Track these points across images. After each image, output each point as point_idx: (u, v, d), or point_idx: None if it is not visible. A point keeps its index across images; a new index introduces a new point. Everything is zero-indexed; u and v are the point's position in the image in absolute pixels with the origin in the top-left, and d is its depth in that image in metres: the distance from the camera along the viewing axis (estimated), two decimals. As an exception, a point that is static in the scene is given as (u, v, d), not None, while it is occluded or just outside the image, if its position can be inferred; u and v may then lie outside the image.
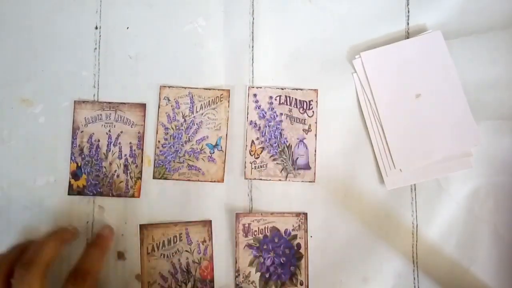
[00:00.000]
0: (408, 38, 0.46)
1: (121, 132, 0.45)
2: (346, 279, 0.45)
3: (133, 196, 0.44)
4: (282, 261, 0.44)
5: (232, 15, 0.47)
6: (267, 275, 0.44)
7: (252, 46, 0.46)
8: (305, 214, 0.45)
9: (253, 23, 0.47)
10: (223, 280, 0.44)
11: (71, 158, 0.45)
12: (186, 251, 0.44)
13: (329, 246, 0.45)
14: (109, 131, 0.45)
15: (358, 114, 0.46)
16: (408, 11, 0.47)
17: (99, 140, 0.45)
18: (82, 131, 0.45)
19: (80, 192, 0.44)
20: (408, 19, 0.47)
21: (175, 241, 0.44)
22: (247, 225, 0.44)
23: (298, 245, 0.44)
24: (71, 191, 0.44)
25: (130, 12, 0.47)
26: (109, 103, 0.45)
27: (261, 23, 0.47)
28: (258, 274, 0.44)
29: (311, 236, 0.45)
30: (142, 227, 0.44)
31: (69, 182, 0.44)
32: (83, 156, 0.45)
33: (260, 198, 0.45)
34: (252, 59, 0.46)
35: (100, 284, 0.43)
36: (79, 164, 0.45)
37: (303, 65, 0.46)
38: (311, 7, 0.47)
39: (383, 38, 0.46)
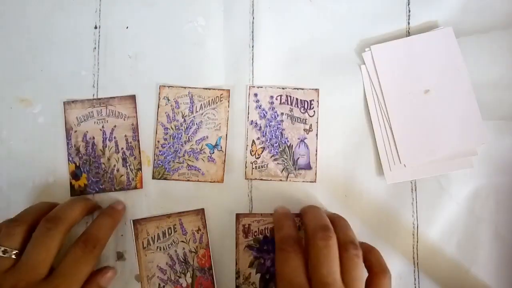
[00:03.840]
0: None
1: (115, 126, 0.45)
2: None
3: (135, 187, 0.44)
4: (282, 261, 0.44)
5: (232, 14, 0.46)
6: (267, 277, 0.44)
7: (252, 46, 0.46)
8: (306, 215, 0.44)
9: (253, 22, 0.46)
10: (223, 281, 0.44)
11: (68, 159, 0.45)
12: (182, 241, 0.44)
13: (330, 246, 0.45)
14: (103, 127, 0.45)
15: (359, 113, 0.46)
16: (409, 11, 0.46)
17: (94, 138, 0.45)
18: (75, 131, 0.45)
19: (82, 191, 0.44)
20: (408, 19, 0.47)
21: (169, 232, 0.44)
22: (247, 226, 0.44)
23: (299, 246, 0.44)
24: (73, 191, 0.44)
25: (130, 11, 0.46)
26: (99, 99, 0.45)
27: (262, 22, 0.46)
28: (258, 275, 0.44)
29: (312, 237, 0.45)
30: (136, 222, 0.44)
31: (70, 182, 0.44)
32: (80, 155, 0.45)
33: (260, 199, 0.45)
34: (252, 59, 0.46)
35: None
36: (78, 164, 0.45)
37: (303, 65, 0.46)
38: (312, 6, 0.47)
39: (383, 37, 0.46)
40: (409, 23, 0.46)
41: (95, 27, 0.46)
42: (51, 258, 0.37)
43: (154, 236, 0.44)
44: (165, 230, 0.44)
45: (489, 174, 0.45)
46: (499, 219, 0.45)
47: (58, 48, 0.46)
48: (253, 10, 0.46)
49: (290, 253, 0.37)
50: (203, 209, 0.44)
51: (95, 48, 0.46)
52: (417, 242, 0.45)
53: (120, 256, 0.44)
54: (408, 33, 0.46)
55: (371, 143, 0.46)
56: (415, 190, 0.45)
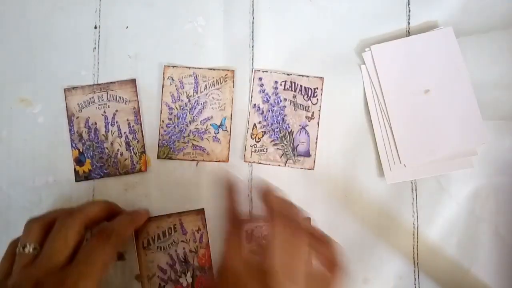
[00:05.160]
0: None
1: (116, 111, 0.45)
2: (346, 280, 0.44)
3: (140, 170, 0.45)
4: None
5: (232, 14, 0.46)
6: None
7: (252, 46, 0.46)
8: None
9: (253, 22, 0.46)
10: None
11: (71, 145, 0.45)
12: (182, 241, 0.44)
13: (330, 246, 0.45)
14: (104, 112, 0.45)
15: (359, 113, 0.46)
16: (409, 11, 0.47)
17: (96, 123, 0.45)
18: (77, 117, 0.45)
19: (87, 177, 0.45)
20: (408, 19, 0.47)
21: (170, 232, 0.44)
22: (249, 232, 0.44)
23: (299, 246, 0.44)
24: (78, 177, 0.45)
25: (130, 11, 0.46)
26: (99, 84, 0.45)
27: (261, 22, 0.46)
28: (258, 274, 0.43)
29: (312, 237, 0.45)
30: None
31: (75, 169, 0.45)
32: (83, 141, 0.45)
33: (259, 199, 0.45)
34: (252, 59, 0.46)
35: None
36: (81, 150, 0.45)
37: (303, 65, 0.46)
38: (312, 6, 0.47)
39: (383, 37, 0.46)
40: (409, 23, 0.46)
41: (95, 27, 0.46)
42: (69, 247, 0.36)
43: (155, 236, 0.44)
44: (165, 230, 0.44)
45: (489, 174, 0.45)
46: (499, 219, 0.45)
47: (58, 48, 0.46)
48: (253, 10, 0.46)
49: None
50: (203, 209, 0.44)
51: (95, 48, 0.46)
52: (417, 242, 0.45)
53: (120, 256, 0.44)
54: (408, 33, 0.46)
55: (371, 143, 0.46)
56: (415, 190, 0.45)
